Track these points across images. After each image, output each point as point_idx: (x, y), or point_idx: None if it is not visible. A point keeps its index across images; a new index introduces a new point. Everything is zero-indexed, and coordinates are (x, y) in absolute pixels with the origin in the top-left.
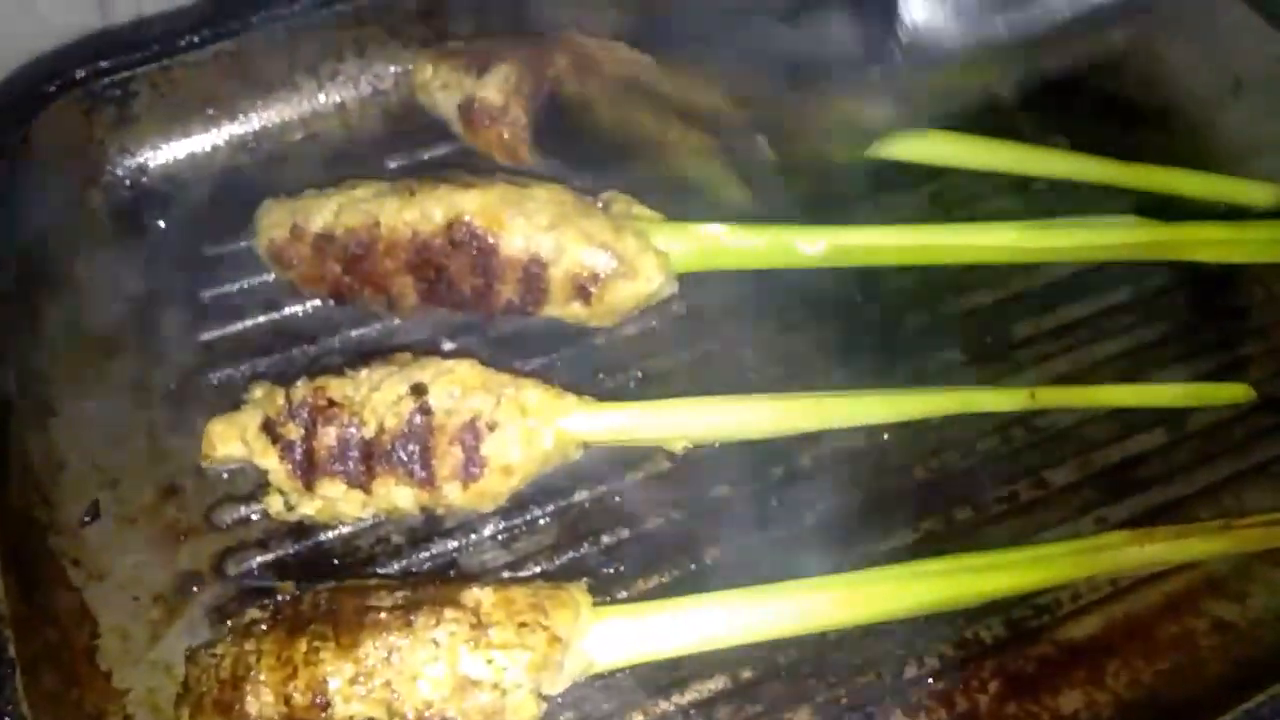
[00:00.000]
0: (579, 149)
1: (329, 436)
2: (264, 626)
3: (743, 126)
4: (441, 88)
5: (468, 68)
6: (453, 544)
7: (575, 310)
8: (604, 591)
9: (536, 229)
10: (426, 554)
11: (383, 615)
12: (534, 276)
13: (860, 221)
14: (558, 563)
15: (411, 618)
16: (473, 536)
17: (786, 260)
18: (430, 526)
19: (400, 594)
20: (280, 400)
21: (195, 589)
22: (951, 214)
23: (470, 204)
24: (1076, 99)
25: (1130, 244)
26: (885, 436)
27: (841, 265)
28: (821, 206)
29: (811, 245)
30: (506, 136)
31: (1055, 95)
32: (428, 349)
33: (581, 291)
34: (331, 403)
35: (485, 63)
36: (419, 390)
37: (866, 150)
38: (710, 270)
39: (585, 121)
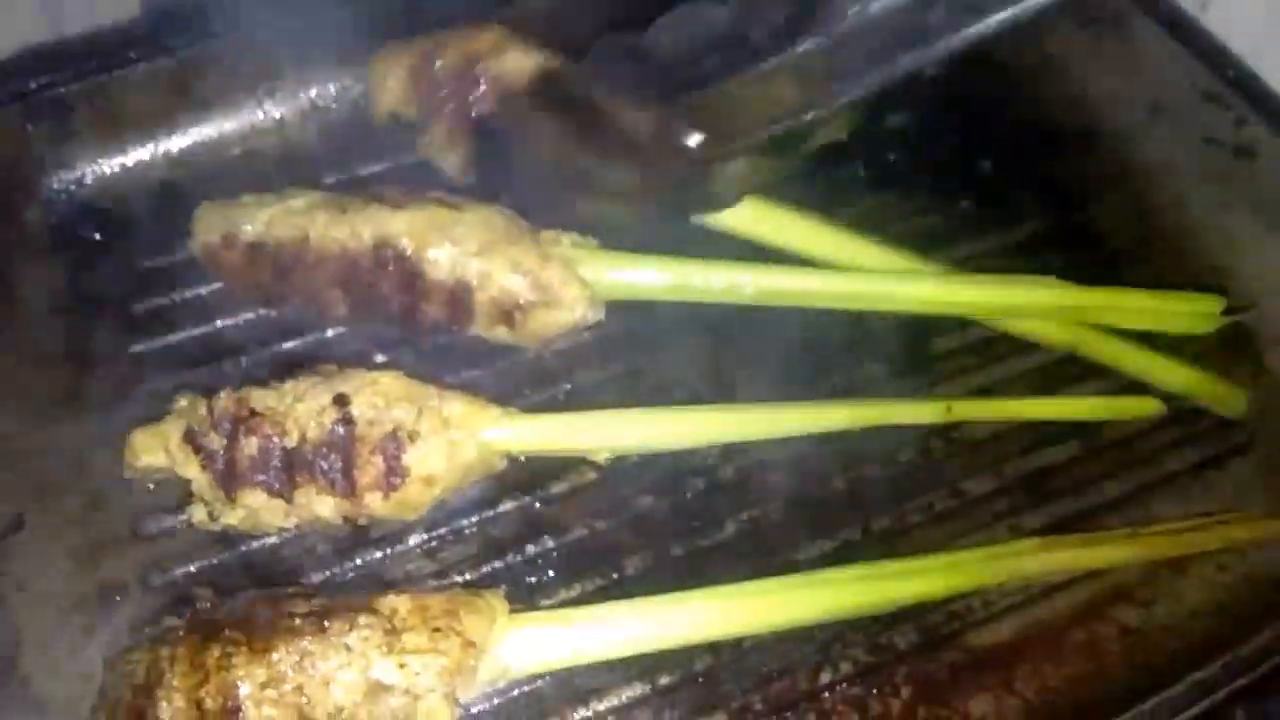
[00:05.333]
0: (514, 182)
1: (251, 446)
2: (180, 633)
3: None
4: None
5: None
6: (378, 554)
7: (500, 333)
8: (527, 600)
9: (463, 254)
10: (352, 564)
11: (297, 621)
12: (459, 300)
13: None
14: (482, 572)
15: (326, 624)
16: (398, 547)
17: (715, 296)
18: (356, 537)
19: (316, 601)
20: (203, 410)
21: (119, 599)
22: None
23: (398, 226)
24: (998, 121)
25: (1053, 306)
26: (806, 448)
27: (769, 304)
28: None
29: (740, 283)
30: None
31: (977, 117)
32: (359, 361)
33: (506, 317)
34: (254, 413)
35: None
36: (341, 401)
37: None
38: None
39: (520, 156)
